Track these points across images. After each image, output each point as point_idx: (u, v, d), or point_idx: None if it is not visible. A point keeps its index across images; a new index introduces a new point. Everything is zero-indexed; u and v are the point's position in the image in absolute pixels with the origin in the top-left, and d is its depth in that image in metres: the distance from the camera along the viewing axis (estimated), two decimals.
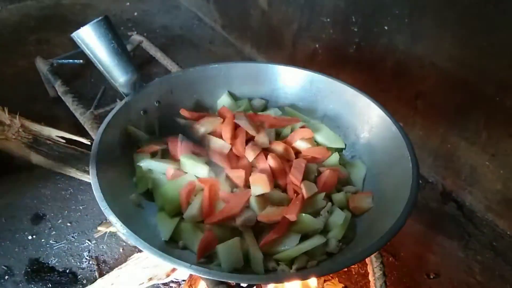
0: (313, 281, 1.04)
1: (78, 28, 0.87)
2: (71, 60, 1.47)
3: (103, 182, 0.74)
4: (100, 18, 0.88)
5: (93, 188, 0.72)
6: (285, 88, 1.10)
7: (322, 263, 0.75)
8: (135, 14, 2.46)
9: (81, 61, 1.46)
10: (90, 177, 0.74)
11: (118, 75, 0.94)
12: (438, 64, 1.29)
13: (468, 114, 1.29)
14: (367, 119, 0.96)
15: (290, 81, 1.09)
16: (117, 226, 0.67)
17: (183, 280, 1.11)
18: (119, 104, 0.93)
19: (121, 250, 1.22)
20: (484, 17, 1.13)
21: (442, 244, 1.32)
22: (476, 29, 1.16)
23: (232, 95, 1.10)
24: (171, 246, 0.77)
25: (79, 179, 1.35)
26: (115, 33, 0.91)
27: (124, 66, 0.94)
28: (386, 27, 1.39)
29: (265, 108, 1.12)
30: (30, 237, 1.24)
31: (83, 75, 1.88)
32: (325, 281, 1.16)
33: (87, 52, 0.92)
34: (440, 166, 1.45)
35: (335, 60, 1.66)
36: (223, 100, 1.09)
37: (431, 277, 1.24)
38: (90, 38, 0.89)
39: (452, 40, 1.23)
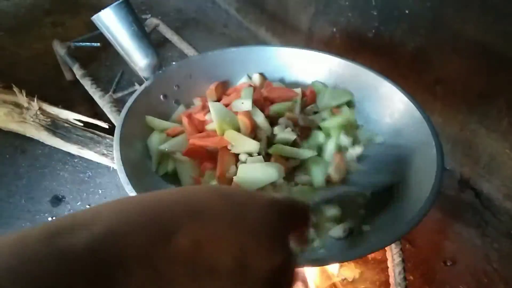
0: (332, 266, 1.05)
1: (94, 11, 0.87)
2: (88, 43, 1.47)
3: (127, 167, 0.75)
4: (121, 0, 0.88)
5: (118, 173, 0.73)
6: (304, 72, 1.09)
7: (343, 251, 0.74)
8: None
9: (98, 44, 1.46)
10: (115, 162, 0.74)
11: (139, 59, 0.94)
12: (460, 50, 1.27)
13: (489, 101, 1.27)
14: (389, 104, 0.95)
15: (308, 65, 1.08)
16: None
17: None
18: (139, 89, 0.93)
19: None
20: (510, 1, 1.10)
21: (459, 231, 1.32)
22: (501, 13, 1.13)
23: (234, 83, 1.10)
24: None
25: (97, 162, 1.36)
26: (135, 16, 0.91)
27: (145, 50, 0.94)
28: (407, 11, 1.36)
29: None
30: (50, 219, 1.26)
31: (98, 58, 1.88)
32: (341, 265, 1.17)
33: (107, 35, 0.92)
34: (458, 153, 1.43)
35: (353, 45, 1.63)
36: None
37: (448, 264, 1.23)
38: (110, 21, 0.89)
39: (476, 25, 1.20)
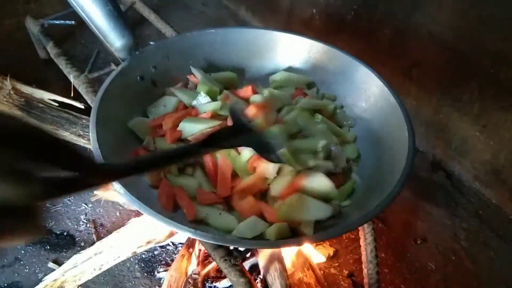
0: (306, 246, 1.08)
1: None
2: (62, 21, 1.43)
3: (103, 149, 0.74)
4: None
5: (94, 155, 0.72)
6: (283, 55, 1.09)
7: (318, 231, 0.77)
8: None
9: (73, 22, 1.41)
10: (91, 144, 0.74)
11: (114, 40, 0.92)
12: (436, 34, 1.29)
13: (462, 85, 1.31)
14: (365, 88, 0.96)
15: (288, 48, 1.08)
16: (120, 191, 0.68)
17: (180, 243, 1.14)
18: (116, 70, 0.91)
19: (118, 214, 1.24)
20: None
21: (430, 211, 1.37)
22: (475, 0, 1.16)
23: (212, 64, 1.09)
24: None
25: (73, 144, 1.34)
26: None
27: (121, 30, 0.92)
28: None
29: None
30: None
31: (74, 37, 1.83)
32: (316, 245, 1.21)
33: (82, 15, 0.90)
34: (431, 135, 1.47)
35: (332, 27, 1.63)
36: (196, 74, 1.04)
37: (418, 242, 1.29)
38: (85, 0, 0.87)
39: (452, 10, 1.22)
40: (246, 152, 0.81)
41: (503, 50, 1.15)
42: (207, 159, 0.83)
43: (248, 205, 0.77)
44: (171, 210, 0.77)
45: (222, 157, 0.82)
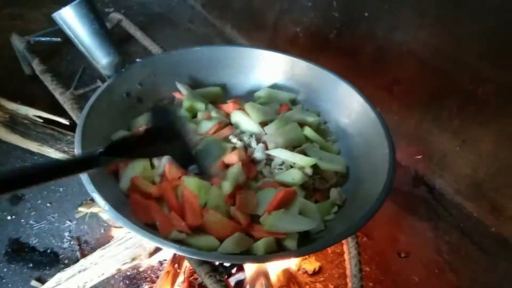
0: (291, 260, 1.08)
1: (55, 3, 0.86)
2: (48, 38, 1.44)
3: None
4: None
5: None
6: (267, 72, 1.12)
7: (303, 246, 0.78)
8: None
9: (59, 39, 1.42)
10: None
11: (100, 57, 0.94)
12: (415, 52, 1.33)
13: (442, 101, 1.34)
14: (347, 105, 0.99)
15: (272, 65, 1.10)
16: (104, 208, 0.69)
17: (165, 259, 1.13)
18: (101, 87, 0.92)
19: (102, 231, 1.23)
20: (462, 7, 1.17)
21: (413, 225, 1.39)
22: (454, 19, 1.20)
23: (197, 81, 1.11)
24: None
25: None
26: (96, 14, 0.91)
27: (106, 48, 0.93)
28: (366, 14, 1.41)
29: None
30: (9, 217, 1.23)
31: (59, 53, 1.83)
32: (302, 259, 1.21)
33: (68, 33, 0.91)
34: (413, 150, 1.50)
35: (316, 44, 1.67)
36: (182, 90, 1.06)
37: (402, 256, 1.30)
38: (71, 19, 0.89)
39: (431, 29, 1.27)
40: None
41: (481, 67, 1.20)
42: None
43: (221, 225, 0.77)
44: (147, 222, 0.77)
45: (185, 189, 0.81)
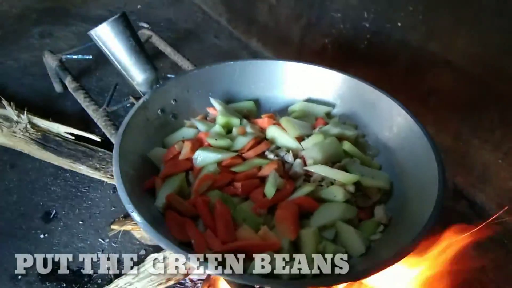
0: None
1: (82, 21, 0.86)
2: (80, 56, 1.45)
3: (125, 181, 0.73)
4: (118, 15, 0.87)
5: (118, 191, 0.71)
6: (300, 86, 1.09)
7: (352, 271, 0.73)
8: (139, 7, 2.43)
9: (90, 56, 1.44)
10: (115, 179, 0.73)
11: (136, 74, 0.93)
12: (452, 62, 1.29)
13: (482, 112, 1.29)
14: (388, 117, 0.96)
15: (305, 78, 1.08)
16: (140, 223, 0.67)
17: (200, 280, 1.10)
18: (137, 104, 0.91)
19: (135, 249, 1.21)
20: (501, 15, 1.12)
21: None
22: (493, 27, 1.15)
23: (230, 96, 1.10)
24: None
25: (90, 177, 1.33)
26: (133, 31, 0.90)
27: (143, 65, 0.93)
28: (399, 24, 1.38)
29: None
30: (42, 236, 1.23)
31: (89, 70, 1.85)
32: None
33: (104, 50, 0.91)
34: (451, 163, 1.44)
35: (345, 56, 1.64)
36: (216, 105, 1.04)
37: None
38: (108, 36, 0.88)
39: (468, 38, 1.22)
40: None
41: None
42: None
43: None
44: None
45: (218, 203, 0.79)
